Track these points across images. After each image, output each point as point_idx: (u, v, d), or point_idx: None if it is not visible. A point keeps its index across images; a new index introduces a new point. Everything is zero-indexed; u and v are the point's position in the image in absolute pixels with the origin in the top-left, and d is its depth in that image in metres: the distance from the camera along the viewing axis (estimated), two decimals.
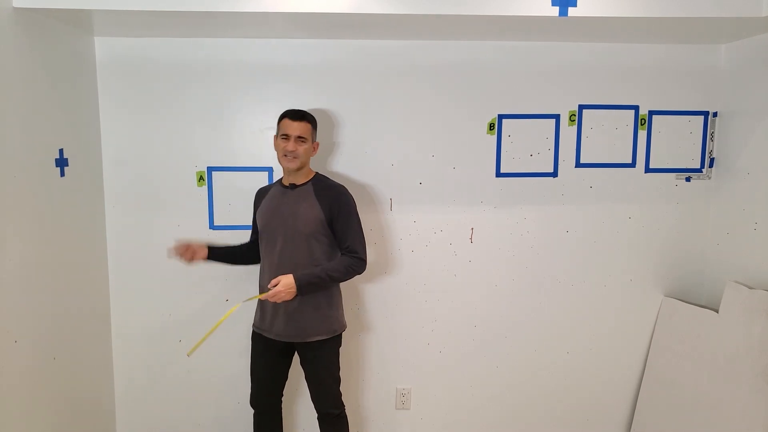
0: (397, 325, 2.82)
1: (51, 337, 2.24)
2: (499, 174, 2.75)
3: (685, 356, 2.64)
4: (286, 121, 2.26)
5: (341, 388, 2.40)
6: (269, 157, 2.65)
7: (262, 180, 2.63)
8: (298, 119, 2.25)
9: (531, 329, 2.86)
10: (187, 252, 2.30)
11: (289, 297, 2.17)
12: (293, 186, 2.31)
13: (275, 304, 2.24)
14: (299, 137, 2.24)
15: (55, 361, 2.27)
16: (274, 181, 2.49)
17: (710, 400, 2.48)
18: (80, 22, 2.27)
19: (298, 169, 2.27)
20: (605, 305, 2.86)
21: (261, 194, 2.43)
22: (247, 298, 2.34)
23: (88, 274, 2.54)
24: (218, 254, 2.41)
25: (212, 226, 2.68)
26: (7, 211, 1.96)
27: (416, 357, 2.85)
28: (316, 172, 2.38)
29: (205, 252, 2.35)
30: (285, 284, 2.15)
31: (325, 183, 2.35)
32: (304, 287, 2.18)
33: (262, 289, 2.31)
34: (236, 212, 2.66)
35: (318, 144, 2.39)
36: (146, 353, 2.75)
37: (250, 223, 2.52)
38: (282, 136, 2.25)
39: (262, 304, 2.34)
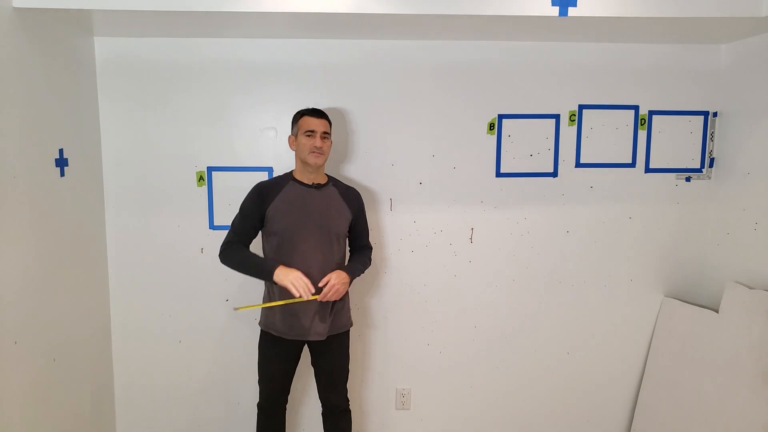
0: (397, 325, 2.82)
1: (51, 337, 2.23)
2: (499, 174, 2.75)
3: (685, 356, 2.64)
4: (309, 119, 2.27)
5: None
6: (269, 157, 2.65)
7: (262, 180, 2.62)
8: (320, 116, 2.29)
9: (531, 329, 2.86)
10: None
11: (344, 290, 2.22)
12: (318, 186, 2.31)
13: (296, 305, 2.21)
14: (325, 133, 2.27)
15: (55, 362, 2.26)
16: (275, 177, 2.41)
17: (710, 401, 2.48)
18: (80, 22, 2.27)
19: (322, 165, 2.30)
20: (605, 305, 2.86)
21: (271, 189, 2.29)
22: (308, 297, 2.11)
23: (88, 274, 2.53)
24: None
25: (212, 226, 2.68)
26: (7, 211, 1.95)
27: (416, 357, 2.85)
28: (327, 174, 2.41)
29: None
30: (340, 278, 2.18)
31: (344, 185, 2.42)
32: (351, 279, 2.27)
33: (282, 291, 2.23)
34: (236, 212, 2.66)
35: (331, 143, 2.39)
36: (146, 353, 2.75)
37: None
38: (307, 132, 2.25)
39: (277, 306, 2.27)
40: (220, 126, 2.64)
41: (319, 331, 2.26)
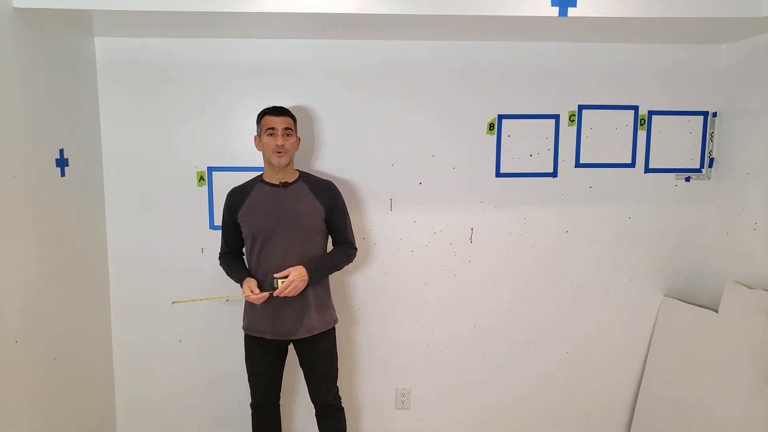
0: (397, 325, 2.82)
1: (51, 336, 2.24)
2: (499, 174, 2.75)
3: (685, 356, 2.64)
4: (269, 117, 2.27)
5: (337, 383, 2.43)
6: None
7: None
8: (281, 114, 2.28)
9: (531, 329, 2.86)
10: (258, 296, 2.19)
11: (302, 287, 2.18)
12: (285, 184, 2.30)
13: (276, 305, 2.22)
14: (286, 128, 2.25)
15: (55, 361, 2.27)
16: (246, 182, 2.40)
17: (710, 400, 2.48)
18: (80, 22, 2.27)
19: (287, 164, 2.28)
20: (605, 305, 2.86)
21: (239, 195, 2.33)
22: (259, 293, 2.17)
23: (89, 274, 2.54)
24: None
25: (212, 226, 2.68)
26: (7, 211, 1.96)
27: (416, 357, 2.85)
28: (299, 170, 2.39)
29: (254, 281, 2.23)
30: (299, 274, 2.16)
31: (316, 179, 2.38)
32: (314, 276, 2.21)
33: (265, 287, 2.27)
34: None
35: (300, 139, 2.39)
36: (146, 353, 2.75)
37: None
38: (268, 130, 2.25)
39: (255, 306, 2.27)
40: (220, 126, 2.64)
41: (283, 330, 2.26)
